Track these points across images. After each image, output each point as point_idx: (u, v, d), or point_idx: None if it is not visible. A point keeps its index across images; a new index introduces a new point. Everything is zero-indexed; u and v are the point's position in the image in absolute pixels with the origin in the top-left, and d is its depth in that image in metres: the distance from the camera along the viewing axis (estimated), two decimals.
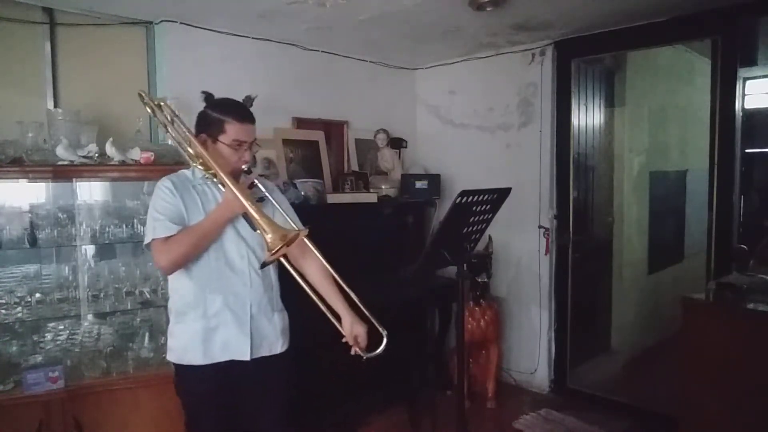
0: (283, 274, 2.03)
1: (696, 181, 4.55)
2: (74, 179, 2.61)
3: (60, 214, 2.63)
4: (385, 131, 4.04)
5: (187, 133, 1.89)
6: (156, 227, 1.82)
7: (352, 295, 1.93)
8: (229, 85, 3.03)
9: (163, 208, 1.84)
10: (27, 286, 2.63)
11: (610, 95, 4.23)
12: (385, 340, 1.85)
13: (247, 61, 3.39)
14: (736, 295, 2.47)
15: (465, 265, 2.39)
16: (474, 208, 2.23)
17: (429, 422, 3.38)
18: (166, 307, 2.84)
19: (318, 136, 3.77)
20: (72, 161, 2.52)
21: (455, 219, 2.20)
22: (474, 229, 2.33)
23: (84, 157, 2.56)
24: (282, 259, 1.80)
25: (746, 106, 3.08)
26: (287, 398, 2.05)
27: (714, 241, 3.15)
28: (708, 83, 3.16)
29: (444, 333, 3.97)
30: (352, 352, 1.91)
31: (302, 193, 3.25)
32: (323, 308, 1.88)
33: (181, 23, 3.09)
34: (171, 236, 1.81)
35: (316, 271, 2.01)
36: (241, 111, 1.91)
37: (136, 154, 2.64)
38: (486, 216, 2.33)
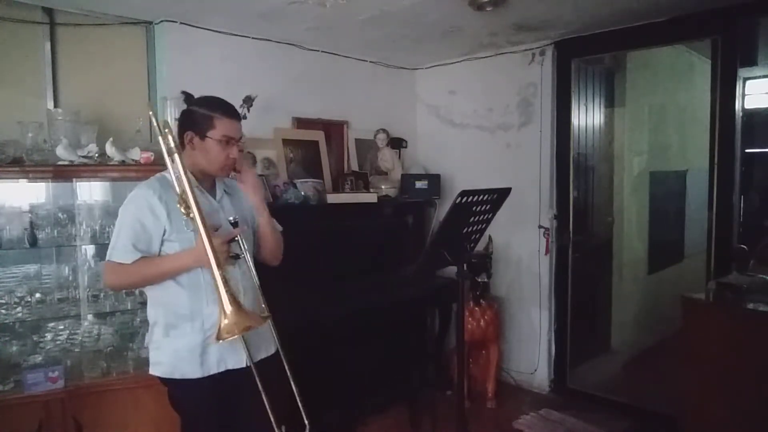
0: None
1: (696, 181, 4.55)
2: (74, 179, 2.60)
3: (60, 214, 2.63)
4: (385, 131, 4.04)
5: (181, 172, 1.72)
6: (116, 247, 1.76)
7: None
8: (229, 85, 3.04)
9: (131, 230, 1.75)
10: (27, 286, 2.63)
11: (610, 95, 4.23)
12: None
13: (247, 61, 3.39)
14: (736, 295, 2.47)
15: (465, 265, 2.39)
16: (474, 208, 2.23)
17: (429, 422, 3.38)
18: None
19: (318, 136, 3.77)
20: (72, 161, 2.52)
21: (455, 219, 2.20)
22: (474, 229, 2.33)
23: (84, 157, 2.56)
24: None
25: (746, 106, 3.08)
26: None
27: (714, 241, 3.15)
28: (708, 83, 3.16)
29: (444, 333, 3.97)
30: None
31: (302, 193, 3.25)
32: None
33: (181, 23, 3.09)
34: (124, 264, 1.74)
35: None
36: (229, 107, 1.89)
37: (136, 154, 2.64)
38: (486, 216, 2.33)
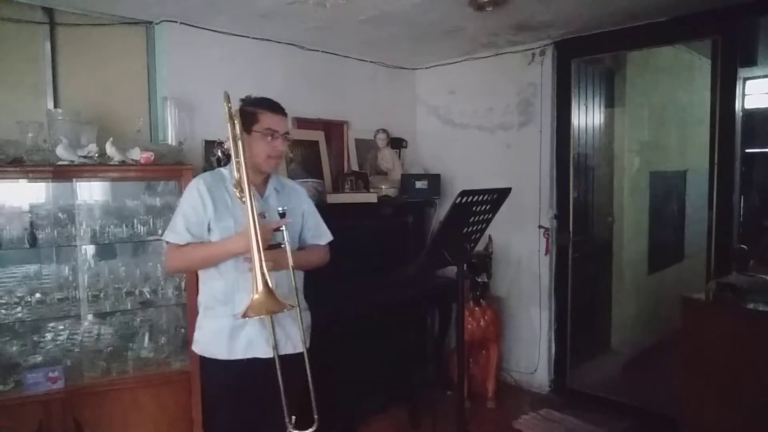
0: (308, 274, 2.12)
1: (696, 181, 4.55)
2: (74, 179, 2.61)
3: (60, 214, 2.63)
4: (385, 131, 4.04)
5: (242, 158, 1.83)
6: (174, 228, 1.94)
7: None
8: (229, 85, 3.01)
9: (185, 213, 1.93)
10: (27, 286, 2.63)
11: (610, 95, 4.23)
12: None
13: (247, 61, 3.39)
14: (736, 295, 2.47)
15: (465, 265, 2.39)
16: (474, 208, 2.23)
17: (429, 422, 3.38)
18: (166, 307, 2.87)
19: (318, 136, 3.77)
20: (72, 161, 2.52)
21: (455, 219, 2.20)
22: (474, 229, 2.33)
23: (84, 157, 2.56)
24: None
25: (746, 106, 3.08)
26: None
27: (714, 241, 3.15)
28: (708, 83, 3.16)
29: (444, 333, 3.97)
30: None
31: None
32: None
33: (181, 23, 3.09)
34: (182, 247, 1.92)
35: None
36: (273, 103, 2.02)
37: (136, 154, 2.64)
38: (486, 216, 2.33)
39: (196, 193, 1.93)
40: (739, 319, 2.41)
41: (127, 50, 3.11)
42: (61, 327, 2.74)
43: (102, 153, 2.62)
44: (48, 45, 2.84)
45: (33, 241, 2.53)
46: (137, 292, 2.79)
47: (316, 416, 1.89)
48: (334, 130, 3.93)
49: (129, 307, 2.78)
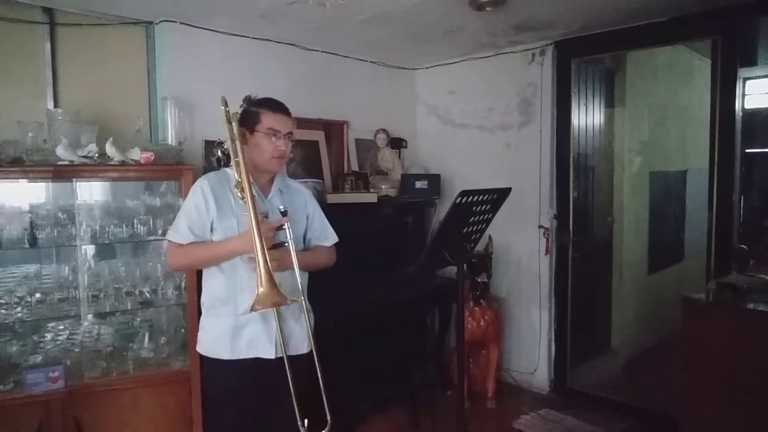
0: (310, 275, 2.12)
1: (696, 181, 4.55)
2: (74, 179, 2.61)
3: (60, 214, 2.63)
4: (385, 131, 4.04)
5: (241, 159, 1.85)
6: (177, 228, 1.94)
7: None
8: (229, 85, 3.05)
9: (189, 213, 1.93)
10: (27, 286, 2.63)
11: (610, 95, 4.23)
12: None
13: (247, 61, 3.39)
14: (736, 295, 2.47)
15: (465, 265, 2.39)
16: (474, 208, 2.23)
17: (429, 422, 3.38)
18: (166, 307, 2.87)
19: (318, 136, 3.77)
20: (72, 161, 2.52)
21: (455, 219, 2.20)
22: (474, 229, 2.33)
23: (84, 157, 2.56)
24: None
25: (746, 106, 3.08)
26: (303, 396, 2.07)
27: (714, 241, 3.15)
28: (708, 83, 3.16)
29: (444, 333, 3.97)
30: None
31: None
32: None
33: (181, 23, 3.09)
34: (184, 246, 1.92)
35: None
36: (275, 103, 2.02)
37: (136, 154, 2.64)
38: (486, 216, 2.33)
39: (200, 193, 1.93)
40: (739, 319, 2.41)
41: (127, 50, 3.11)
42: (61, 327, 2.74)
43: (102, 153, 2.62)
44: (48, 45, 2.84)
45: (33, 241, 2.53)
46: (137, 292, 2.79)
47: (329, 417, 1.90)
48: (334, 130, 3.94)
49: (129, 307, 2.78)
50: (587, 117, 3.93)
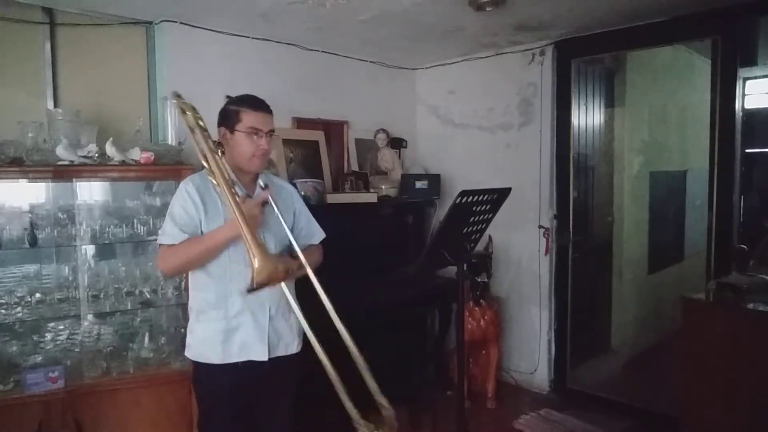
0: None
1: (696, 181, 4.55)
2: (74, 179, 2.61)
3: (60, 214, 2.63)
4: (385, 131, 4.04)
5: (206, 148, 1.84)
6: (165, 231, 1.87)
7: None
8: (229, 85, 3.04)
9: (176, 215, 1.87)
10: (27, 286, 2.63)
11: (610, 95, 4.23)
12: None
13: (247, 61, 3.39)
14: (736, 295, 2.47)
15: (465, 265, 2.39)
16: (474, 208, 2.23)
17: (429, 422, 3.38)
18: (166, 307, 2.87)
19: (318, 136, 3.76)
20: (72, 161, 2.52)
21: (455, 219, 2.20)
22: (474, 229, 2.33)
23: (84, 157, 2.56)
24: None
25: (746, 106, 3.08)
26: (295, 396, 2.08)
27: (714, 241, 3.14)
28: (708, 83, 3.16)
29: (444, 333, 3.97)
30: None
31: (302, 193, 3.25)
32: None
33: (181, 23, 3.09)
34: (174, 245, 1.84)
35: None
36: (255, 100, 1.96)
37: (136, 154, 2.64)
38: (486, 216, 2.33)
39: (185, 194, 1.89)
40: (739, 319, 2.41)
41: (127, 50, 3.11)
42: (61, 327, 2.74)
43: (102, 153, 2.62)
44: (48, 45, 2.84)
45: (33, 241, 2.53)
46: (137, 292, 2.79)
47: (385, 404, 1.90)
48: (334, 130, 3.93)
49: (129, 307, 2.78)
50: (587, 117, 3.93)
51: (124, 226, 2.74)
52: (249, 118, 1.90)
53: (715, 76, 3.09)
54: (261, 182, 1.92)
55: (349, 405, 1.79)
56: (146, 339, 2.82)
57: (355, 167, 4.01)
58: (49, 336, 2.69)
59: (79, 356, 2.64)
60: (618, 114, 4.35)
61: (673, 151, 4.81)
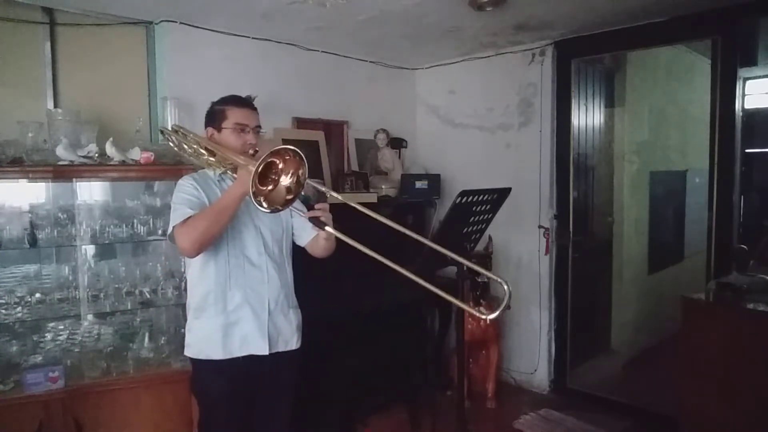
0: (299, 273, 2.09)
1: (696, 181, 4.55)
2: (74, 179, 2.61)
3: (60, 214, 2.63)
4: (385, 131, 4.04)
5: (196, 144, 1.96)
6: (174, 216, 1.86)
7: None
8: (230, 85, 3.02)
9: (181, 199, 1.87)
10: (27, 286, 2.63)
11: (610, 95, 4.23)
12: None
13: (247, 61, 3.39)
14: (736, 295, 2.47)
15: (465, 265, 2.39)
16: (474, 208, 2.23)
17: (429, 422, 3.38)
18: (166, 307, 2.87)
19: (318, 136, 3.76)
20: (72, 161, 2.52)
21: (455, 219, 2.21)
22: (474, 229, 2.33)
23: (84, 157, 2.56)
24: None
25: (746, 106, 3.08)
26: (296, 394, 2.08)
27: (714, 241, 3.15)
28: (708, 83, 3.16)
29: (444, 333, 3.97)
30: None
31: (302, 193, 3.24)
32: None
33: (181, 23, 3.09)
34: (189, 218, 1.81)
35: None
36: (239, 98, 2.00)
37: (136, 154, 2.65)
38: (486, 216, 2.34)
39: (188, 185, 1.90)
40: (739, 319, 2.41)
41: (127, 50, 3.11)
42: (61, 327, 2.74)
43: (102, 153, 2.62)
44: (48, 45, 2.84)
45: (33, 241, 2.53)
46: (137, 292, 2.79)
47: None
48: (334, 130, 3.93)
49: (129, 307, 2.78)
50: (587, 117, 3.93)
51: (124, 226, 2.74)
52: (234, 115, 1.94)
53: (715, 76, 3.09)
54: (250, 150, 1.94)
55: None
56: (146, 339, 2.82)
57: (355, 167, 4.01)
58: (49, 336, 2.69)
59: (79, 356, 2.64)
60: (618, 114, 4.35)
61: (673, 151, 4.80)
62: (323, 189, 1.95)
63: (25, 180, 2.55)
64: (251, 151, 1.91)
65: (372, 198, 3.66)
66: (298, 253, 2.16)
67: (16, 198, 2.62)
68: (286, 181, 1.73)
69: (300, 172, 1.69)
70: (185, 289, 2.74)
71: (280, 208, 1.67)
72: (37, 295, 2.61)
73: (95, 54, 2.98)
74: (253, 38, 3.41)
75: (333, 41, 3.63)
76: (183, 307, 2.80)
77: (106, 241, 2.73)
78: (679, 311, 2.56)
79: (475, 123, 4.15)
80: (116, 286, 2.76)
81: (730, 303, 2.47)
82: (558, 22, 3.30)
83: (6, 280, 2.63)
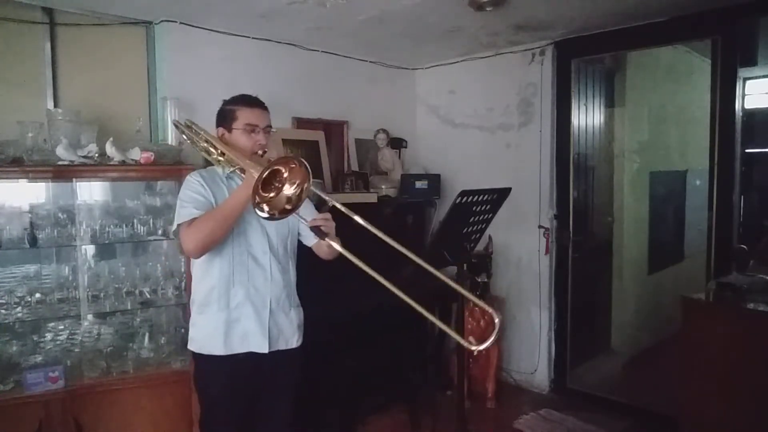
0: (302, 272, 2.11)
1: (696, 181, 4.55)
2: (74, 179, 2.61)
3: (60, 214, 2.63)
4: (385, 131, 4.04)
5: (206, 143, 1.97)
6: (181, 213, 1.87)
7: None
8: (229, 85, 3.02)
9: (188, 197, 1.89)
10: (27, 286, 2.63)
11: (610, 95, 4.23)
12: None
13: (247, 61, 3.39)
14: (736, 295, 2.47)
15: (465, 265, 2.39)
16: (474, 208, 2.23)
17: (429, 422, 3.38)
18: (166, 307, 2.87)
19: (318, 136, 3.76)
20: (72, 161, 2.52)
21: (455, 219, 2.21)
22: (474, 229, 2.33)
23: (84, 157, 2.56)
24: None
25: (746, 106, 3.08)
26: (297, 393, 2.08)
27: (714, 241, 3.14)
28: (708, 83, 3.16)
29: (444, 333, 3.97)
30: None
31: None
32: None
33: (181, 23, 3.09)
34: (195, 219, 1.83)
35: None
36: (250, 98, 2.01)
37: (136, 154, 2.64)
38: (486, 216, 2.34)
39: (195, 182, 1.92)
40: (739, 319, 2.41)
41: (127, 50, 3.11)
42: (61, 327, 2.74)
43: (102, 153, 2.62)
44: (48, 45, 2.84)
45: (33, 241, 2.53)
46: (137, 292, 2.79)
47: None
48: (334, 130, 3.93)
49: (129, 307, 2.79)
50: (587, 117, 3.93)
51: (124, 226, 2.74)
52: (245, 115, 1.94)
53: (715, 76, 3.09)
54: (259, 151, 1.95)
55: None
56: (146, 339, 2.82)
57: (355, 167, 4.01)
58: (49, 336, 2.69)
59: (79, 356, 2.64)
60: (618, 114, 4.35)
61: (673, 151, 4.80)
62: (326, 197, 1.92)
63: (25, 180, 2.55)
64: (260, 152, 1.92)
65: (372, 198, 3.66)
66: (302, 254, 2.16)
67: (16, 198, 2.62)
68: (289, 190, 1.71)
69: (305, 185, 1.70)
70: (185, 289, 2.76)
71: (277, 216, 1.65)
72: (37, 295, 2.61)
73: (95, 54, 2.98)
74: (253, 38, 3.41)
75: (333, 41, 3.64)
76: (183, 306, 2.81)
77: (106, 241, 2.73)
78: (679, 311, 2.56)
79: (475, 123, 4.15)
80: (116, 286, 2.76)
81: (730, 303, 2.47)
82: (558, 22, 3.30)
83: (6, 280, 2.63)
